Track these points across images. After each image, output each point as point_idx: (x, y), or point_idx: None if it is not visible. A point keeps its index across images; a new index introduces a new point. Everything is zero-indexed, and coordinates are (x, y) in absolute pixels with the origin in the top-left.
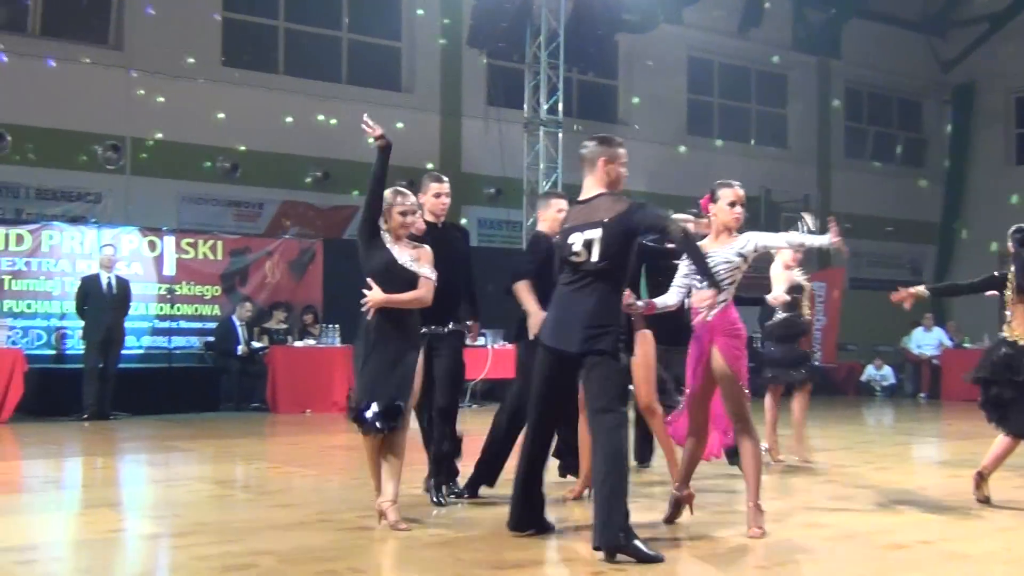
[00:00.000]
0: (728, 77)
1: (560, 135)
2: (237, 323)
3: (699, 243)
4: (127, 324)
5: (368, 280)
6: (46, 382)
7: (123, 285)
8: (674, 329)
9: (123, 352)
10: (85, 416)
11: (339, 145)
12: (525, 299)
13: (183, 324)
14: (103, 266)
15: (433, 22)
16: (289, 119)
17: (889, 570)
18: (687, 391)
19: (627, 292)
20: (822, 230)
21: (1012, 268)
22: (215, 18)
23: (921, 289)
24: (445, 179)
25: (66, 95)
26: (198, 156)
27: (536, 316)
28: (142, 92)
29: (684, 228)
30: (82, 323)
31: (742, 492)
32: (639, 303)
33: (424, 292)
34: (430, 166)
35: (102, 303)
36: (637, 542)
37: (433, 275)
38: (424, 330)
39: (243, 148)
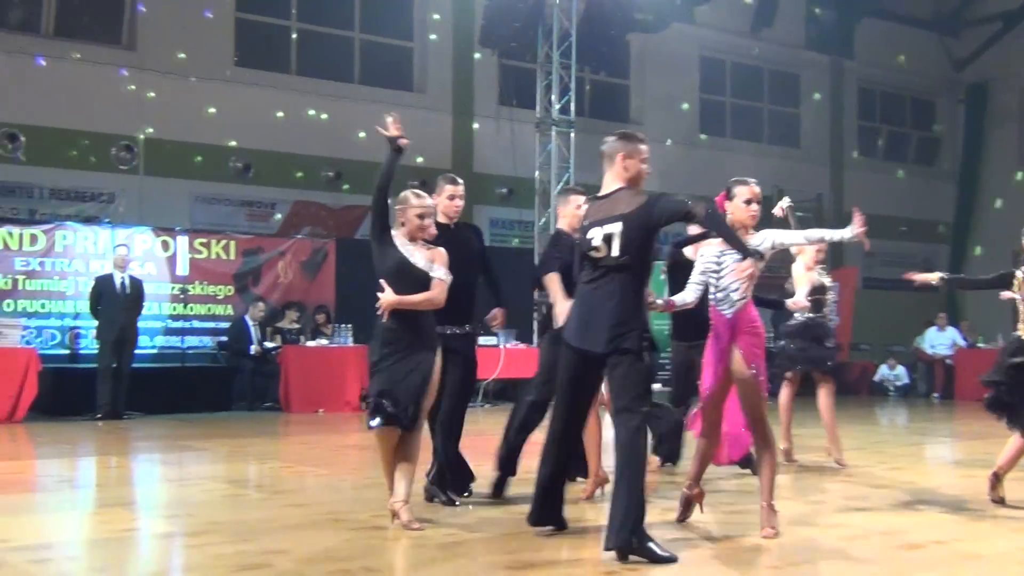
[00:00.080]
0: (740, 76)
1: (572, 135)
2: (250, 323)
3: (714, 241)
4: (140, 324)
5: (381, 282)
6: (60, 382)
7: (136, 285)
8: (700, 325)
9: (136, 352)
10: (99, 415)
11: (351, 145)
12: (553, 290)
13: (196, 324)
14: (117, 266)
15: (445, 22)
16: (301, 119)
17: (903, 570)
18: (702, 390)
19: (648, 291)
20: (815, 222)
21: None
22: (228, 19)
23: (935, 276)
24: (460, 181)
25: (79, 96)
26: (211, 156)
27: (563, 305)
28: (155, 93)
29: (706, 206)
30: (96, 323)
31: (755, 492)
32: (658, 301)
33: (436, 293)
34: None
35: (116, 303)
36: (651, 544)
37: (447, 276)
38: (439, 331)
39: (256, 148)
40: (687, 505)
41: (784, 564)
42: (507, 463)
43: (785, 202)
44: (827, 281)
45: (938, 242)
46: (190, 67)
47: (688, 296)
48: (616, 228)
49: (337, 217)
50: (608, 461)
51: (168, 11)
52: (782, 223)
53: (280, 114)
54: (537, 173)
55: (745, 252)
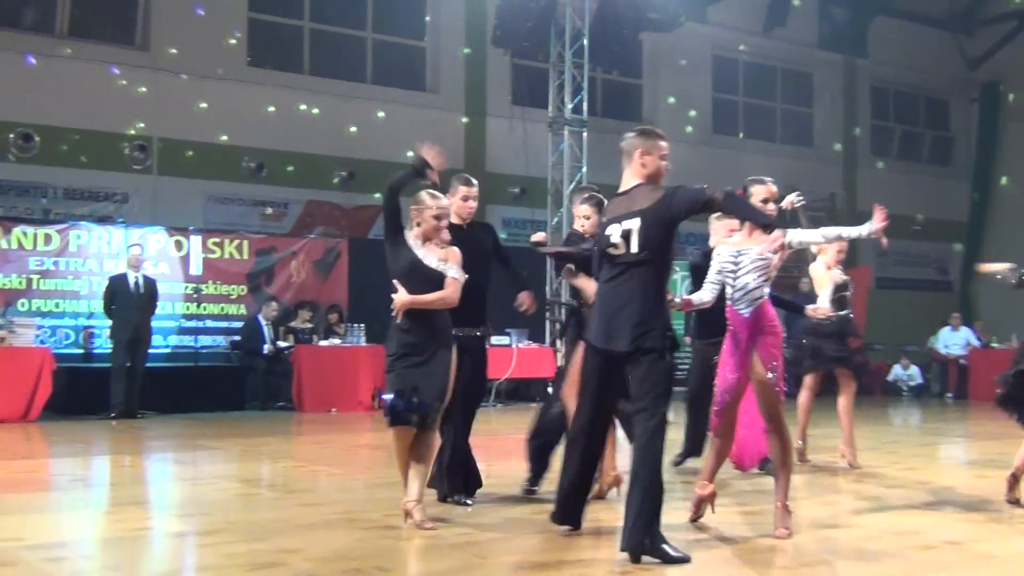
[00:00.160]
0: (753, 76)
1: (584, 134)
2: (263, 322)
3: (731, 240)
4: (154, 323)
5: (394, 283)
6: (74, 381)
7: (150, 284)
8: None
9: (150, 351)
10: (113, 415)
11: (364, 145)
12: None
13: (209, 323)
14: (130, 266)
15: (457, 22)
16: (314, 119)
17: (917, 571)
18: (718, 388)
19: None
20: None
21: None
22: (241, 19)
23: (1005, 266)
24: (474, 183)
25: (93, 96)
26: (224, 156)
27: (589, 286)
28: (168, 93)
29: (724, 189)
30: (110, 322)
31: (769, 492)
32: (676, 299)
33: (450, 292)
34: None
35: (129, 302)
36: (665, 546)
37: (461, 275)
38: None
39: (269, 148)
40: (699, 505)
41: (798, 565)
42: (543, 463)
43: (793, 196)
44: (844, 277)
45: (952, 241)
46: (203, 67)
47: (705, 295)
48: (634, 224)
49: (350, 217)
50: (623, 461)
51: (181, 11)
52: (792, 220)
53: (293, 114)
54: (550, 173)
55: (770, 224)
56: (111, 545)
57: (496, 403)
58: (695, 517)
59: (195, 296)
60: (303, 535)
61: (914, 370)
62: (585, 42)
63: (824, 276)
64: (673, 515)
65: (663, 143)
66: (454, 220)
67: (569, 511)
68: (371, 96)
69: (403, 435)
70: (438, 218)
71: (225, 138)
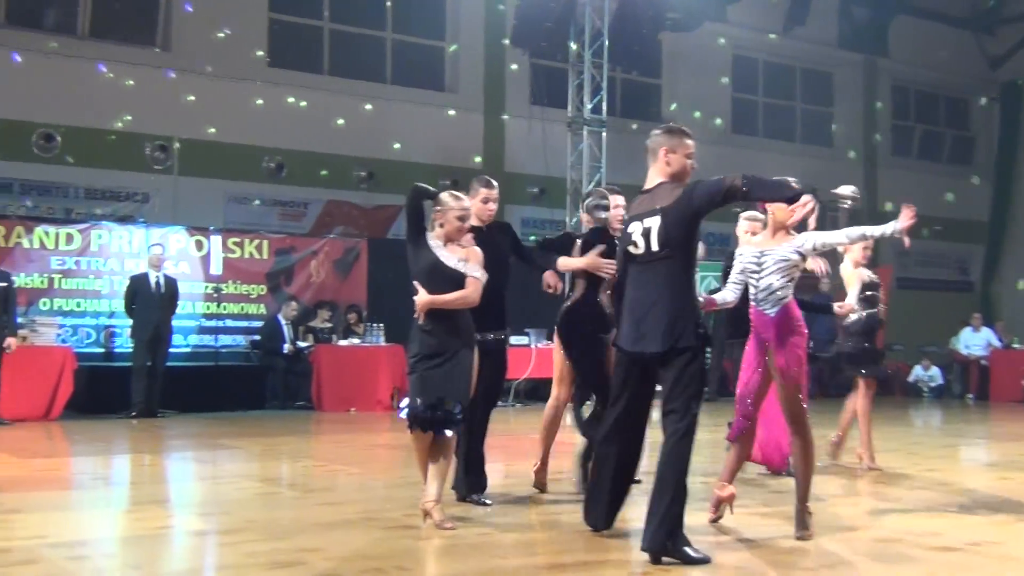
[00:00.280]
0: (773, 75)
1: (604, 134)
2: (283, 322)
3: (755, 240)
4: (175, 323)
5: (414, 284)
6: (95, 380)
7: (171, 284)
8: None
9: (171, 350)
10: (133, 413)
11: (384, 145)
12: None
13: (229, 323)
14: (151, 265)
15: (477, 22)
16: (334, 119)
17: (939, 573)
18: (740, 388)
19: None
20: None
21: None
22: (261, 19)
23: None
24: (495, 185)
25: (114, 96)
26: (244, 156)
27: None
28: (189, 93)
29: (741, 175)
30: (131, 321)
31: (789, 493)
32: (699, 299)
33: (470, 291)
34: (479, 159)
35: (150, 302)
36: (687, 548)
37: (482, 275)
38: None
39: (288, 148)
40: (718, 506)
41: (819, 566)
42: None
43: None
44: (872, 276)
45: (973, 242)
46: (224, 68)
47: (728, 295)
48: (654, 222)
49: (369, 217)
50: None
51: (202, 12)
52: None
53: (313, 114)
54: (569, 173)
55: (796, 193)
56: (132, 543)
57: (514, 403)
58: (714, 518)
59: (215, 296)
60: (323, 534)
61: (935, 371)
62: (604, 42)
63: (852, 275)
64: (692, 516)
65: (689, 141)
66: (474, 222)
67: (599, 514)
68: (391, 96)
69: (423, 438)
70: (461, 219)
71: (245, 138)
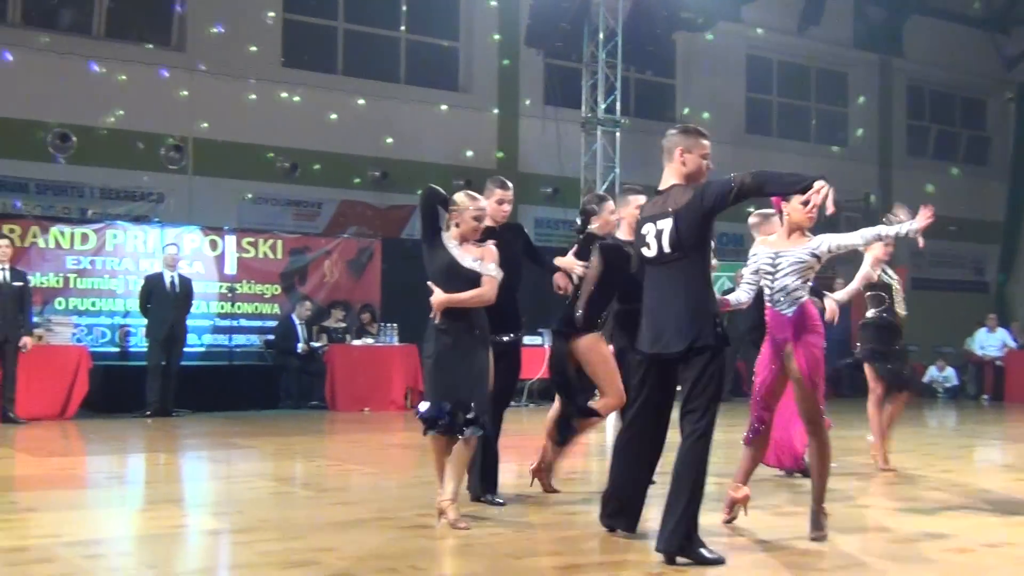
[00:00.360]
0: (788, 75)
1: (618, 134)
2: (296, 322)
3: (770, 239)
4: (189, 322)
5: (429, 284)
6: (110, 379)
7: (185, 284)
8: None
9: (185, 350)
10: (148, 413)
11: (397, 145)
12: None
13: (244, 322)
14: (166, 265)
15: (491, 22)
16: (348, 119)
17: (954, 575)
18: (755, 389)
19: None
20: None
21: None
22: (276, 19)
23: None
24: (510, 186)
25: (130, 96)
26: (258, 156)
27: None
28: (204, 93)
29: (750, 172)
30: (145, 321)
31: (804, 495)
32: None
33: (486, 289)
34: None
35: (165, 301)
36: (702, 550)
37: (498, 273)
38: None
39: (302, 148)
40: (732, 507)
41: (834, 567)
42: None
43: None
44: (890, 278)
45: (989, 242)
46: (238, 68)
47: (742, 296)
48: (667, 225)
49: (383, 217)
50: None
51: (217, 12)
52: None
53: (327, 114)
54: (583, 173)
55: (809, 181)
56: (147, 542)
57: (528, 403)
58: (728, 519)
59: (229, 295)
60: (337, 534)
61: (950, 372)
62: (618, 42)
63: (859, 275)
64: (706, 517)
65: (705, 141)
66: (487, 222)
67: (615, 515)
68: (404, 96)
69: (439, 440)
70: (477, 219)
71: (259, 138)
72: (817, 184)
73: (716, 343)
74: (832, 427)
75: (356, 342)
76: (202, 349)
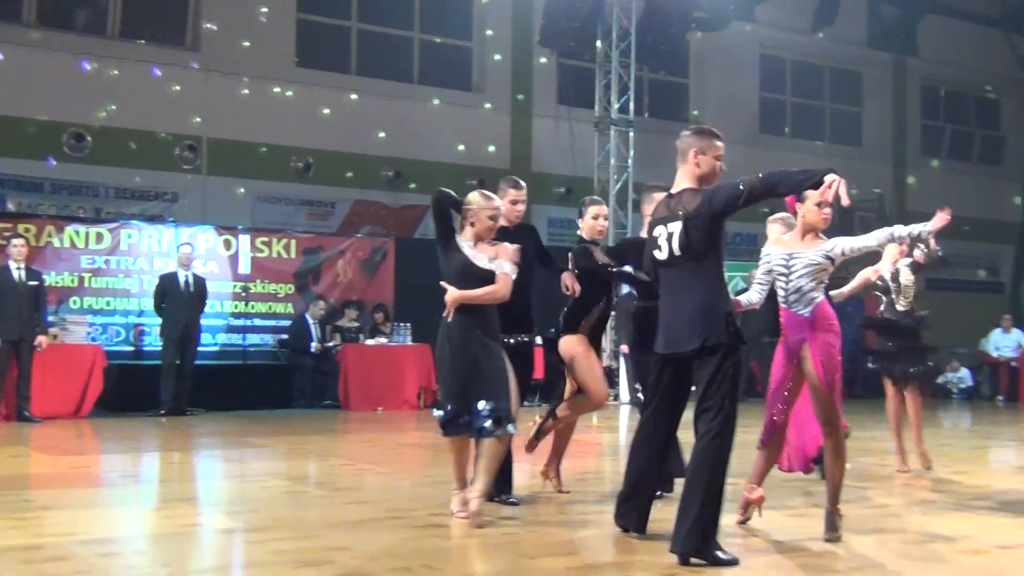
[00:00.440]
0: (801, 75)
1: (631, 134)
2: (310, 321)
3: (784, 239)
4: (203, 321)
5: (442, 283)
6: (124, 378)
7: (200, 283)
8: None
9: (199, 349)
10: (162, 412)
11: (411, 144)
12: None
13: (257, 322)
14: (180, 264)
15: (504, 22)
16: (361, 119)
17: None
18: (770, 390)
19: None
20: None
21: None
22: (289, 19)
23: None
24: (523, 186)
25: (144, 96)
26: (272, 156)
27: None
28: (217, 93)
29: (759, 175)
30: (160, 320)
31: (818, 496)
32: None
33: (500, 286)
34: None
35: (179, 301)
36: (718, 552)
37: (512, 270)
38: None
39: (316, 148)
40: (747, 507)
41: (848, 569)
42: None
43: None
44: (905, 278)
45: (1003, 242)
46: (252, 68)
47: (754, 296)
48: (676, 228)
49: (396, 216)
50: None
51: (230, 12)
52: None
53: (340, 114)
54: (596, 172)
55: (820, 176)
56: (162, 541)
57: (540, 403)
58: (742, 520)
59: (243, 295)
60: (350, 533)
61: (964, 372)
62: (632, 41)
63: (864, 272)
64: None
65: (719, 143)
66: (501, 222)
67: (628, 515)
68: (418, 96)
69: (455, 442)
70: (492, 219)
71: (273, 138)
72: (828, 178)
73: (730, 341)
74: (849, 430)
75: (369, 341)
76: (216, 348)
